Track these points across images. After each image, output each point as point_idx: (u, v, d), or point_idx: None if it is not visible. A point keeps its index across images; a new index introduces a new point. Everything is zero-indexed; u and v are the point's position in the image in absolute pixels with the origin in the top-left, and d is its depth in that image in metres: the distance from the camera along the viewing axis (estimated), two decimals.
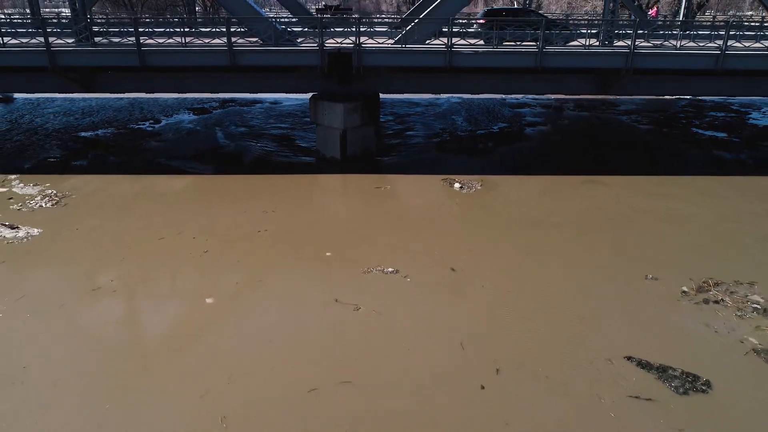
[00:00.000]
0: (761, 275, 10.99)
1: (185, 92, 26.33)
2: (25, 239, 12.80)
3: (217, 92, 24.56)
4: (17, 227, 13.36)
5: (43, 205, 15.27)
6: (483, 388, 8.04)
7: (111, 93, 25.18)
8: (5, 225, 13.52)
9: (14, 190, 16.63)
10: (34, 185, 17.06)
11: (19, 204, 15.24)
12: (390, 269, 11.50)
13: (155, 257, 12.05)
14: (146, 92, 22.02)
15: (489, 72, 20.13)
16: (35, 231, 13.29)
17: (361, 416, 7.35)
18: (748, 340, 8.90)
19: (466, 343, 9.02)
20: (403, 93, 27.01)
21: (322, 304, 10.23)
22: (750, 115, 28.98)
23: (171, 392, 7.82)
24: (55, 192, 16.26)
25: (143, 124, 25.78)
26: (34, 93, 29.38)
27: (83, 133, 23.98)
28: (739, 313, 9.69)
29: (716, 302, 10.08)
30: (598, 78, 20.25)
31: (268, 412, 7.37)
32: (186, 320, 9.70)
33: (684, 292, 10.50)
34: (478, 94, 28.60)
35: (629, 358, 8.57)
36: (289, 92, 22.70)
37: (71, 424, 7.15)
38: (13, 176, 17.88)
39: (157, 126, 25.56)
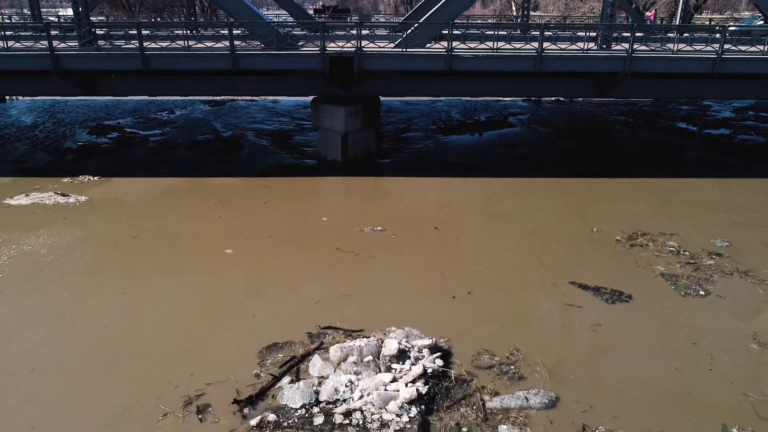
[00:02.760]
0: (682, 229, 14.54)
1: (188, 95, 26.74)
2: (77, 203, 16.19)
3: (220, 95, 24.44)
4: (68, 195, 16.79)
5: (91, 178, 18.84)
6: (454, 297, 10.93)
7: (114, 96, 25.68)
8: (58, 193, 16.88)
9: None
10: (77, 163, 20.82)
11: (69, 178, 18.74)
12: (379, 228, 14.38)
13: (181, 218, 15.54)
14: (149, 95, 21.81)
15: (489, 75, 20.85)
16: (83, 198, 16.85)
17: (355, 315, 10.19)
18: (658, 269, 12.20)
19: (446, 274, 11.94)
20: (403, 96, 29.11)
21: (325, 251, 13.16)
22: (712, 109, 33.00)
23: (212, 303, 10.75)
24: (94, 169, 19.64)
25: (160, 114, 29.67)
26: (37, 96, 29.67)
27: (107, 122, 27.87)
28: (657, 254, 12.96)
29: (641, 246, 13.35)
30: (596, 81, 20.89)
31: (285, 313, 10.32)
32: (212, 262, 12.60)
33: (618, 240, 13.71)
34: (478, 96, 29.74)
35: (572, 283, 11.52)
36: (291, 95, 22.75)
37: (137, 323, 10.00)
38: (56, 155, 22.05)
39: (172, 116, 29.49)
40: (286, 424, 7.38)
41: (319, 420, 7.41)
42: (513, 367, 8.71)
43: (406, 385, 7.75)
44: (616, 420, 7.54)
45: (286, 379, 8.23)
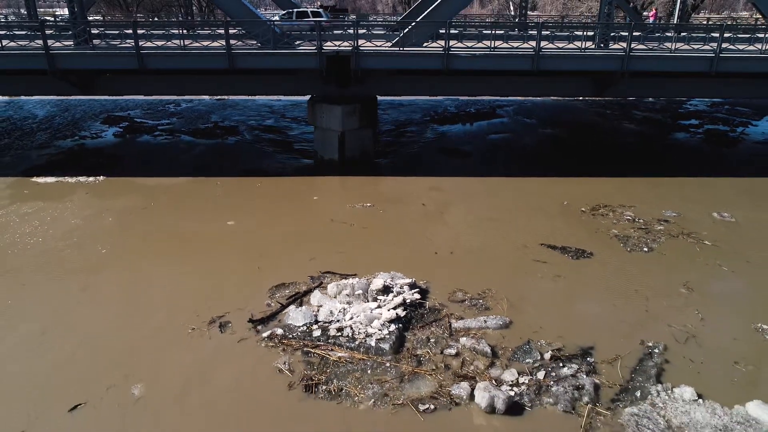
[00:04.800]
0: (639, 203, 19.27)
1: (185, 94, 30.20)
2: (95, 181, 21.14)
3: (217, 94, 27.67)
4: (87, 174, 21.68)
5: (106, 161, 24.69)
6: (436, 253, 14.95)
7: (110, 95, 28.83)
8: (79, 173, 21.71)
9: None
10: (93, 148, 27.25)
11: (87, 160, 25.07)
12: (368, 204, 18.55)
13: (185, 195, 20.21)
14: (145, 95, 25.45)
15: (487, 74, 24.11)
16: (100, 177, 21.99)
17: (349, 265, 13.96)
18: (613, 232, 16.35)
19: (431, 239, 15.91)
20: (400, 95, 33.30)
21: (320, 222, 17.19)
22: (688, 102, 39.93)
23: (220, 259, 14.63)
24: (109, 153, 26.03)
25: (168, 106, 36.97)
26: (33, 96, 33.47)
27: (118, 113, 34.89)
28: (614, 221, 17.26)
29: (602, 215, 17.72)
30: (594, 80, 24.34)
31: (285, 266, 14.16)
32: (217, 231, 16.67)
33: (582, 210, 18.05)
34: (475, 95, 33.42)
35: (542, 244, 15.54)
36: (288, 95, 26.02)
37: (159, 273, 13.88)
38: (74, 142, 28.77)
39: (178, 108, 36.64)
40: (291, 336, 11.09)
41: (317, 333, 11.11)
42: (481, 301, 12.58)
43: (388, 310, 11.39)
44: (559, 338, 11.19)
45: (292, 307, 11.99)
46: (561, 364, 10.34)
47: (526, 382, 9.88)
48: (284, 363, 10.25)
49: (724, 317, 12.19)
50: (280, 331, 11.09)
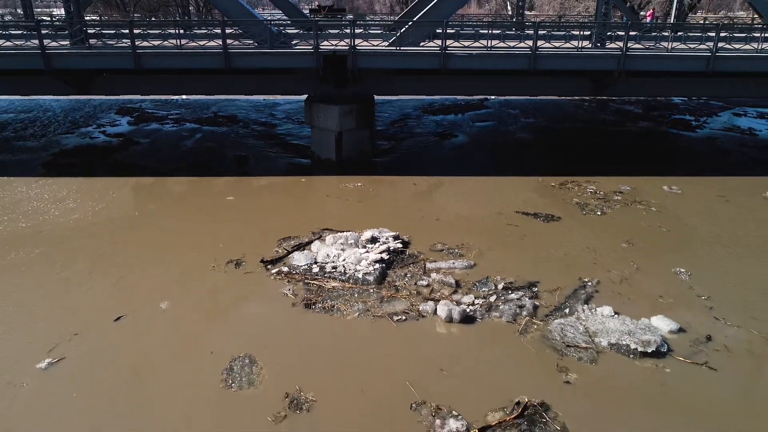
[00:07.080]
0: (601, 179, 26.71)
1: (181, 94, 36.44)
2: (116, 161, 29.52)
3: (213, 94, 33.82)
4: (106, 156, 29.57)
5: (122, 142, 35.08)
6: (422, 217, 21.34)
7: (106, 95, 34.84)
8: (100, 155, 29.56)
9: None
10: (111, 133, 37.03)
11: (105, 143, 35.10)
12: (359, 184, 25.17)
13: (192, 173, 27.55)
14: (142, 94, 31.17)
15: (483, 74, 29.51)
16: (120, 158, 30.38)
17: (344, 225, 19.94)
18: (575, 201, 22.98)
19: (420, 209, 22.36)
20: (398, 95, 40.08)
21: (317, 197, 23.78)
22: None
23: (226, 222, 20.98)
24: (125, 138, 35.44)
25: (177, 99, 47.93)
26: (29, 96, 40.09)
27: (130, 105, 45.65)
28: (579, 193, 23.96)
29: (568, 188, 24.44)
30: (591, 80, 29.91)
31: (284, 230, 19.98)
32: (219, 203, 23.37)
33: (552, 185, 24.75)
34: (473, 95, 42.33)
35: (517, 212, 21.88)
36: (285, 94, 31.46)
37: (177, 230, 20.02)
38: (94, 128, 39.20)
39: (186, 101, 47.69)
40: (294, 272, 17.01)
41: (316, 270, 17.03)
42: (457, 250, 18.66)
43: (375, 254, 17.27)
44: (516, 276, 16.95)
45: (296, 253, 17.99)
46: (510, 292, 16.07)
47: (480, 303, 15.55)
48: (289, 290, 16.04)
49: (654, 265, 17.95)
50: (285, 269, 17.02)
